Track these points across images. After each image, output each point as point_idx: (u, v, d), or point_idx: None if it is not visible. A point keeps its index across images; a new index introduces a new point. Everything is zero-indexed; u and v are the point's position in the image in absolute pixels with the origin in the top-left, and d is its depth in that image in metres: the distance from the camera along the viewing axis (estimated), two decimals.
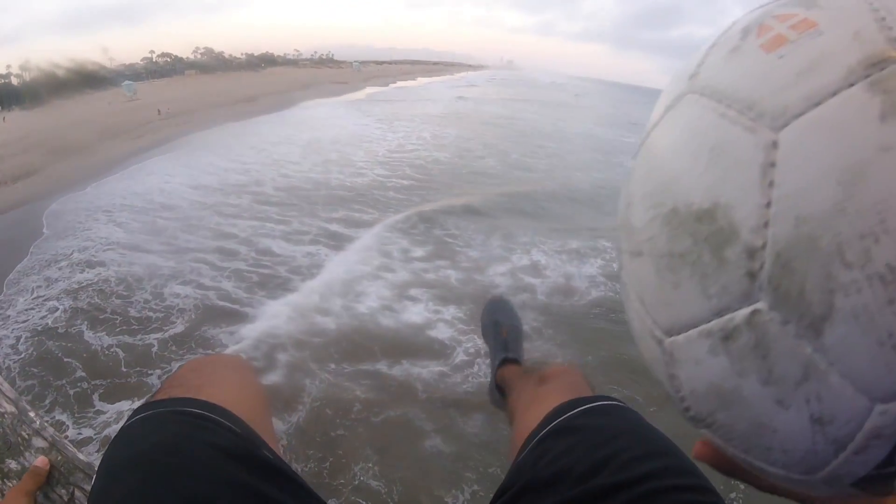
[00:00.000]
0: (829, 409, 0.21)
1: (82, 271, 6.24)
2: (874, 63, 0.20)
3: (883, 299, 0.18)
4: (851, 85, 0.20)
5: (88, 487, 0.75)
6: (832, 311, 0.19)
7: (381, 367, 4.11)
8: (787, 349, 0.21)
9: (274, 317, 4.97)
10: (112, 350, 4.59)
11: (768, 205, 0.21)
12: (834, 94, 0.21)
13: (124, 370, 4.27)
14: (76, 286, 5.82)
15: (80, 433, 3.70)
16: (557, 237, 7.24)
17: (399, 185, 10.12)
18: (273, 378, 4.00)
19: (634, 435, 0.63)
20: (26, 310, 5.41)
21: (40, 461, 0.71)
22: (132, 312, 5.17)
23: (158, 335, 4.78)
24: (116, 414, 3.80)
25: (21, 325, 5.15)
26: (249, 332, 4.72)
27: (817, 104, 0.21)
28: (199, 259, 6.42)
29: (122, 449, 0.55)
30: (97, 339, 4.78)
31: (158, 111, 23.77)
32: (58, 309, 5.34)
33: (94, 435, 3.63)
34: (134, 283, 5.78)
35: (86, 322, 5.08)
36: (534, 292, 5.53)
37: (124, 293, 5.56)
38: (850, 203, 0.19)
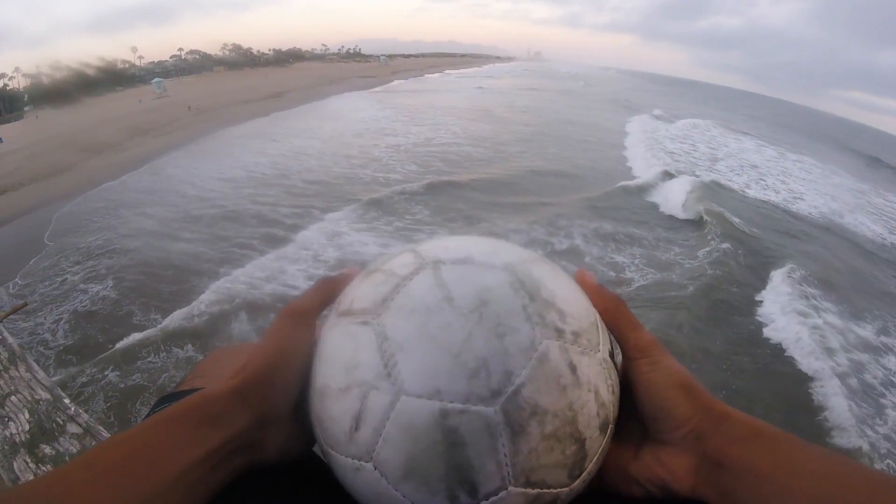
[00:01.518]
0: None
1: (110, 258, 6.55)
2: None
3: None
4: None
5: None
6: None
7: None
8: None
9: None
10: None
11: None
12: None
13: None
14: (118, 268, 6.11)
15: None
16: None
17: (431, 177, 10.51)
18: None
19: None
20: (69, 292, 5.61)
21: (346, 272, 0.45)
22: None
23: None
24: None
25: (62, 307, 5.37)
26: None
27: None
28: (243, 245, 6.62)
29: None
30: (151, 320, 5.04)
31: (188, 107, 24.13)
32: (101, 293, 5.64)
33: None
34: (174, 267, 6.07)
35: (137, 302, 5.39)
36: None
37: (171, 276, 5.87)
38: None
